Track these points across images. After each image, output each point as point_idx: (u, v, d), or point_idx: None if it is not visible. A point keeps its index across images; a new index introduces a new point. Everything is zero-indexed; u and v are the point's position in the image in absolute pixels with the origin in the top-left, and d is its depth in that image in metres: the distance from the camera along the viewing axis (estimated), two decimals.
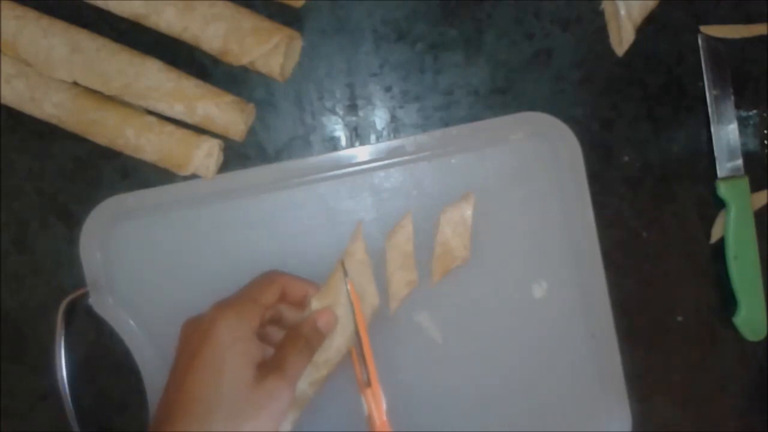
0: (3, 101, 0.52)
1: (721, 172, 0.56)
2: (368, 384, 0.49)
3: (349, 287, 0.49)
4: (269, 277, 0.49)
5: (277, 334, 0.49)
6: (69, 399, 0.53)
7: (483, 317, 0.55)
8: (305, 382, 0.48)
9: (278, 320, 0.49)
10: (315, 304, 0.49)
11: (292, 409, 0.48)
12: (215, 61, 0.53)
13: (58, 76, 0.50)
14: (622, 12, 0.53)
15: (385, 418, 0.49)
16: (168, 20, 0.50)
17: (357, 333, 0.49)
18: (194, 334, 0.45)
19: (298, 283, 0.49)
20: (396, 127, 0.55)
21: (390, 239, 0.53)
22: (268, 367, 0.44)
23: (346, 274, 0.50)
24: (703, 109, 0.56)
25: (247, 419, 0.42)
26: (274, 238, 0.54)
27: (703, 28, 0.56)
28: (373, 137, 0.55)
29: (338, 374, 0.51)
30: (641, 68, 0.56)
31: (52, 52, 0.50)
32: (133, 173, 0.54)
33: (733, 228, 0.55)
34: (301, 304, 0.50)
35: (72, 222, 0.54)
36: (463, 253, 0.53)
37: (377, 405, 0.49)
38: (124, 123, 0.51)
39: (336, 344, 0.49)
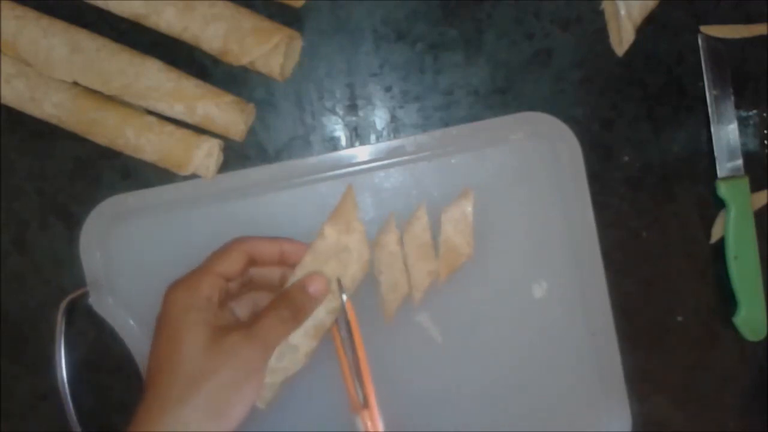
0: (3, 101, 0.52)
1: (721, 172, 0.56)
2: (365, 405, 0.48)
3: (344, 300, 0.48)
4: (228, 246, 0.47)
5: (266, 298, 0.48)
6: (69, 399, 0.52)
7: (483, 317, 0.55)
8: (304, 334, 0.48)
9: (255, 285, 0.49)
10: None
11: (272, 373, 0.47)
12: (215, 61, 0.53)
13: (58, 76, 0.50)
14: (622, 12, 0.53)
15: None
16: (168, 20, 0.50)
17: (353, 350, 0.48)
18: (156, 320, 0.45)
19: (268, 243, 0.48)
20: (396, 127, 0.55)
21: (407, 231, 0.52)
22: (233, 327, 0.44)
23: (342, 291, 0.49)
24: (703, 109, 0.56)
25: (206, 378, 0.42)
26: None
27: (703, 28, 0.56)
28: (373, 137, 0.55)
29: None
30: (641, 68, 0.56)
31: (52, 52, 0.50)
32: (133, 173, 0.54)
33: (733, 228, 0.55)
34: (280, 263, 0.49)
35: (72, 222, 0.54)
36: (466, 250, 0.53)
37: (374, 427, 0.47)
38: (124, 123, 0.51)
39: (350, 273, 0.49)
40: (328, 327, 0.49)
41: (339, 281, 0.49)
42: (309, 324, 0.48)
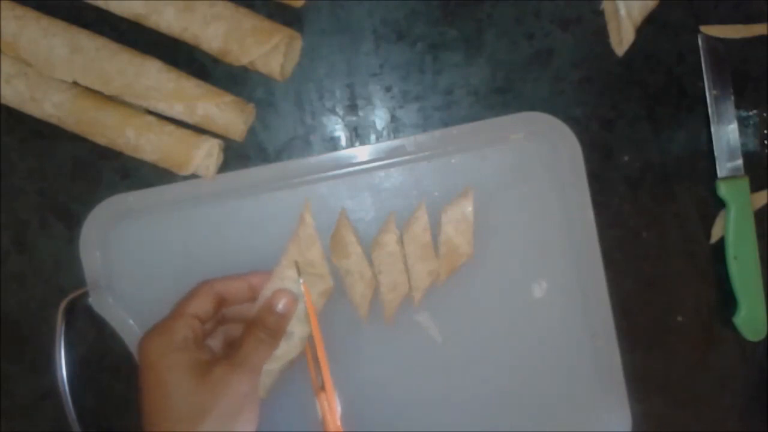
0: (3, 101, 0.52)
1: (721, 172, 0.56)
2: (322, 388, 0.49)
3: (302, 288, 0.49)
4: (196, 289, 0.48)
5: (237, 327, 0.49)
6: (69, 399, 0.53)
7: (483, 317, 0.55)
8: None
9: (229, 320, 0.50)
10: (266, 293, 0.49)
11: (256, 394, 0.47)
12: (215, 61, 0.53)
13: (58, 76, 0.50)
14: (622, 12, 0.53)
15: (339, 422, 0.49)
16: (168, 20, 0.50)
17: (310, 335, 0.49)
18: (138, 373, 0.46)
19: (235, 281, 0.49)
20: (396, 127, 0.55)
21: (407, 231, 0.52)
22: (215, 361, 0.45)
23: (299, 273, 0.49)
24: (703, 109, 0.56)
25: (204, 415, 0.42)
26: (274, 238, 0.54)
27: (703, 28, 0.56)
28: (373, 137, 0.55)
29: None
30: (641, 68, 0.56)
31: (52, 52, 0.50)
32: (133, 173, 0.54)
33: (733, 228, 0.55)
34: (251, 298, 0.49)
35: (72, 222, 0.54)
36: (467, 249, 0.53)
37: (331, 409, 0.49)
38: (124, 123, 0.51)
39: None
40: (320, 309, 0.50)
41: (296, 263, 0.49)
42: (301, 308, 0.49)
